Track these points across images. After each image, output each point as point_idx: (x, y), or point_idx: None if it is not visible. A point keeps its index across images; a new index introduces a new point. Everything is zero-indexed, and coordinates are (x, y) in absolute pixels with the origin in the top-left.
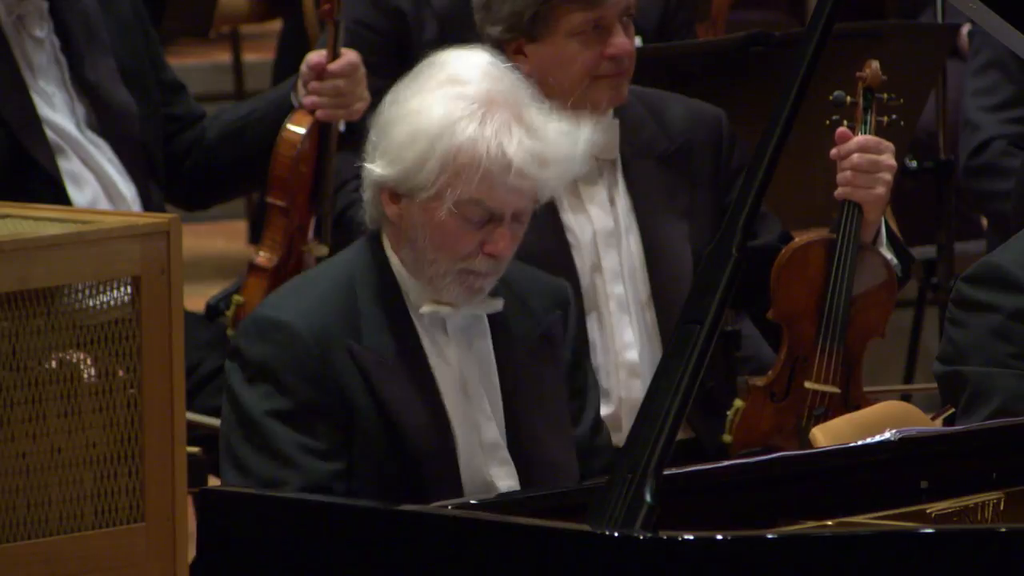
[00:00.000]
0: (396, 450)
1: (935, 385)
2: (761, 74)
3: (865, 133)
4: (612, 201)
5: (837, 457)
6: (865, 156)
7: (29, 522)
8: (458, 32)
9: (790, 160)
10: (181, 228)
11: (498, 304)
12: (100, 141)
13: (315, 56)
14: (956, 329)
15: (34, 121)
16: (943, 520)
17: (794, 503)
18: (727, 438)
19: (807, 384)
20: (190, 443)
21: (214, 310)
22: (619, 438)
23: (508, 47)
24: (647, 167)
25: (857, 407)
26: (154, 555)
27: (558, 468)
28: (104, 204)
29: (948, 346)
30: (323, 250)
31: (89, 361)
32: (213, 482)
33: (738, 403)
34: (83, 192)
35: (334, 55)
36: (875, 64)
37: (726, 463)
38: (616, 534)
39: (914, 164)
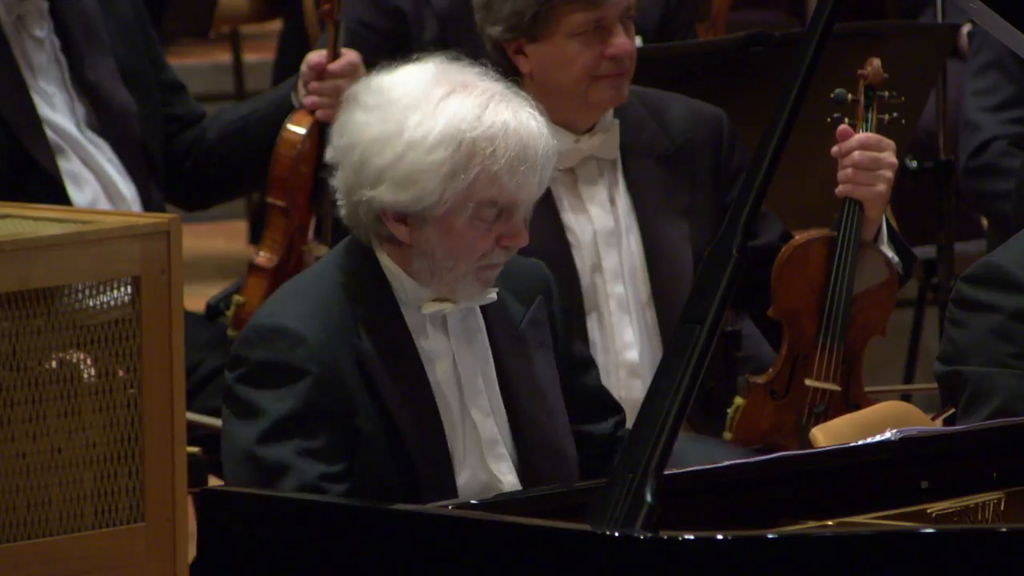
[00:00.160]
0: (394, 451)
1: (935, 385)
2: (761, 74)
3: (866, 131)
4: (612, 201)
5: (837, 457)
6: (866, 153)
7: (29, 522)
8: (458, 32)
9: (791, 159)
10: (181, 228)
11: (493, 294)
12: (100, 141)
13: (315, 56)
14: (956, 329)
15: (34, 121)
16: (943, 520)
17: (794, 503)
18: (727, 436)
19: (807, 382)
20: (190, 443)
21: (214, 310)
22: None
23: (509, 47)
24: (647, 167)
25: (857, 405)
26: (154, 555)
27: (558, 455)
28: (104, 204)
29: (948, 346)
30: (323, 250)
31: (89, 361)
32: (213, 482)
33: (738, 401)
34: (83, 192)
35: (334, 55)
36: (876, 61)
37: (726, 463)
38: (616, 534)
39: (914, 164)
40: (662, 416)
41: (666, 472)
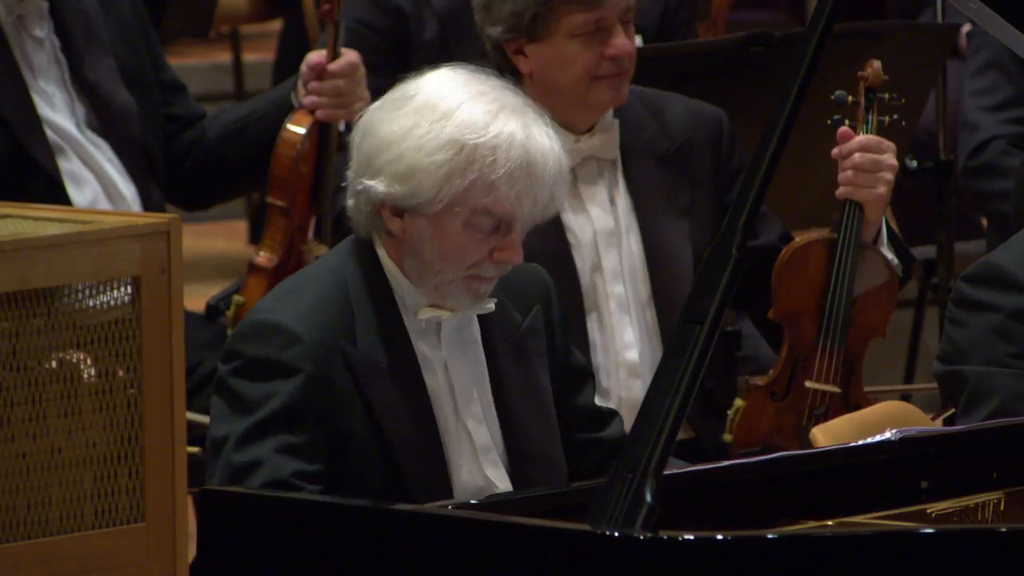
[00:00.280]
0: (383, 456)
1: (935, 385)
2: (761, 74)
3: (867, 133)
4: (612, 201)
5: (837, 457)
6: (867, 155)
7: (29, 522)
8: (458, 31)
9: (791, 160)
10: (181, 228)
11: (491, 305)
12: (100, 141)
13: (315, 56)
14: (956, 329)
15: (34, 121)
16: (943, 520)
17: (794, 503)
18: (727, 437)
19: (807, 384)
20: (190, 443)
21: (214, 310)
22: None
23: (508, 47)
24: (647, 167)
25: (857, 407)
26: (154, 555)
27: (549, 463)
28: (104, 204)
29: (948, 346)
30: (323, 250)
31: (89, 361)
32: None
33: (738, 402)
34: (83, 192)
35: (334, 55)
36: (877, 64)
37: (726, 463)
38: (616, 534)
39: (914, 164)
40: (662, 416)
41: (666, 472)
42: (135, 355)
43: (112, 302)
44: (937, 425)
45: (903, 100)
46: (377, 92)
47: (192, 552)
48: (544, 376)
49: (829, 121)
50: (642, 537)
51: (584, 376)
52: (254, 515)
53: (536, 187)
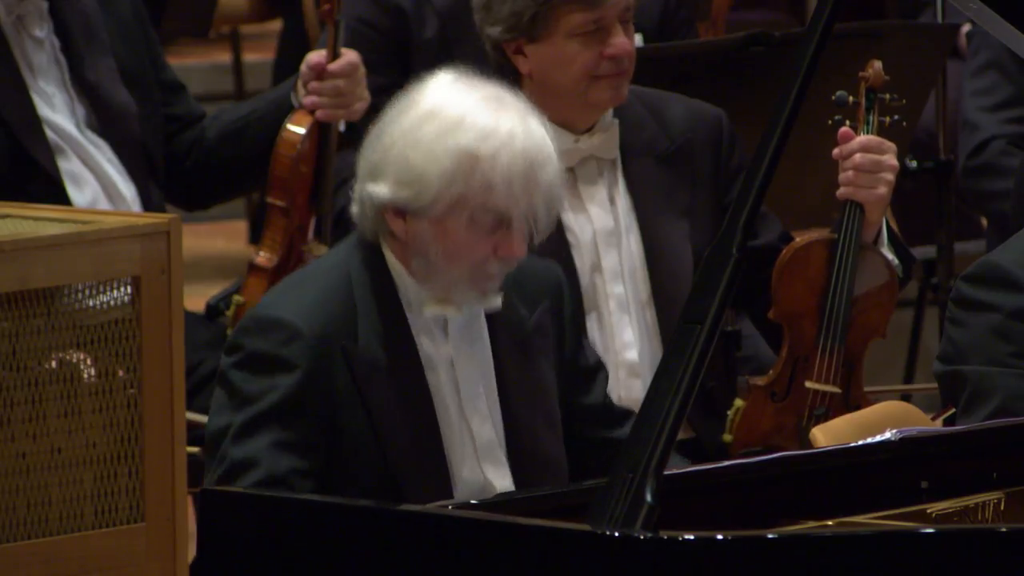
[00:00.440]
0: (378, 455)
1: (935, 385)
2: (761, 74)
3: (867, 133)
4: (612, 201)
5: (837, 457)
6: (867, 156)
7: (29, 522)
8: (459, 30)
9: (791, 160)
10: (181, 228)
11: (497, 301)
12: (100, 141)
13: (315, 56)
14: (956, 328)
15: (34, 121)
16: (943, 520)
17: (794, 503)
18: (727, 438)
19: (808, 384)
20: (190, 443)
21: (214, 310)
22: None
23: (508, 47)
24: (647, 167)
25: (857, 407)
26: (154, 555)
27: (552, 464)
28: (104, 204)
29: (948, 345)
30: (323, 250)
31: (89, 361)
32: None
33: (738, 403)
34: (83, 192)
35: (334, 55)
36: (878, 64)
37: (726, 463)
38: (616, 534)
39: (914, 164)
40: (662, 416)
41: (666, 472)
42: (135, 355)
43: (112, 302)
44: (937, 425)
45: (904, 101)
46: (377, 91)
47: (192, 552)
48: (549, 374)
49: (830, 121)
50: (642, 537)
51: (595, 374)
52: (254, 515)
53: (534, 185)
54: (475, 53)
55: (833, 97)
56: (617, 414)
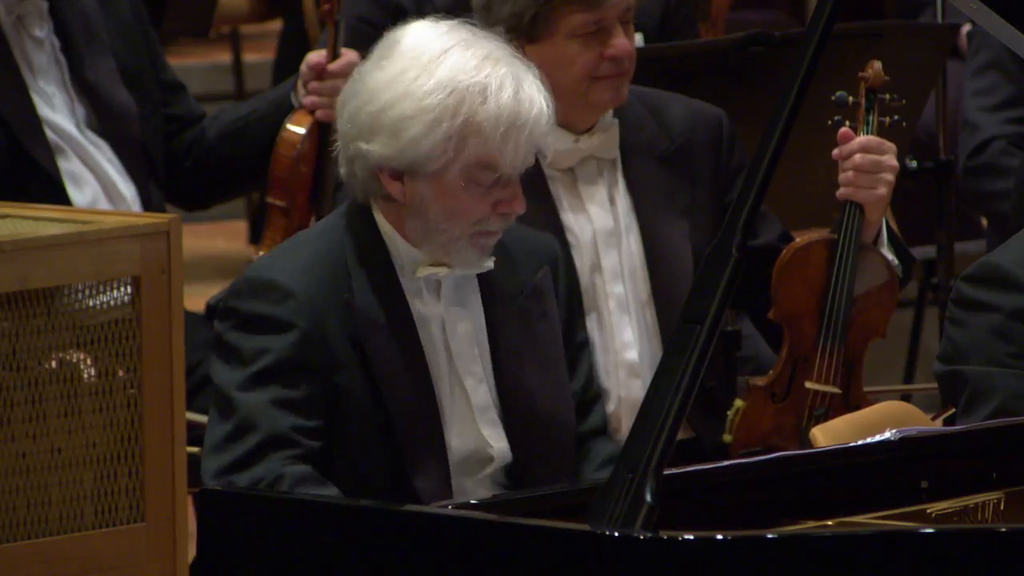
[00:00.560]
0: (378, 414)
1: (935, 385)
2: (761, 74)
3: (867, 134)
4: (612, 201)
5: (837, 457)
6: (867, 156)
7: (29, 522)
8: None
9: (791, 160)
10: (181, 228)
11: (489, 263)
12: (100, 141)
13: (315, 56)
14: (956, 328)
15: (34, 121)
16: (943, 520)
17: (794, 503)
18: (727, 438)
19: (808, 384)
20: (190, 443)
21: (214, 310)
22: (619, 438)
23: None
24: (647, 167)
25: (857, 407)
26: (154, 555)
27: (553, 422)
28: (104, 204)
29: (948, 345)
30: None
31: (89, 361)
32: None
33: (738, 403)
34: (83, 192)
35: (334, 55)
36: (877, 64)
37: (726, 463)
38: (616, 534)
39: (914, 164)
40: (662, 416)
41: (666, 472)
42: (135, 355)
43: (112, 302)
44: (937, 425)
45: (904, 101)
46: None
47: (192, 552)
48: (553, 334)
49: (830, 122)
50: (642, 537)
51: (578, 355)
52: (254, 515)
53: (520, 130)
54: None
55: (833, 97)
56: (588, 403)
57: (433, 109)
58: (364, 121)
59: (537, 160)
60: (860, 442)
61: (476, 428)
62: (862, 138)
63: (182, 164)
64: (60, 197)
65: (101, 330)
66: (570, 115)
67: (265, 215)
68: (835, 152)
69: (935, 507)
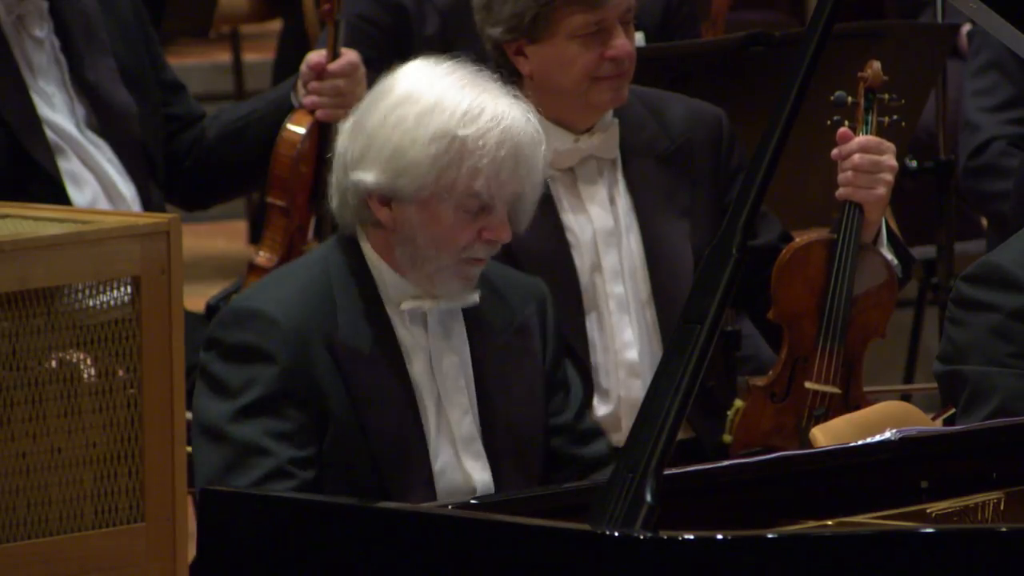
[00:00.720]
0: (365, 443)
1: (935, 385)
2: (761, 74)
3: (866, 134)
4: (612, 200)
5: (837, 457)
6: (866, 156)
7: (29, 522)
8: (460, 27)
9: (790, 160)
10: (181, 228)
11: (475, 297)
12: (100, 141)
13: (315, 56)
14: (956, 328)
15: (34, 121)
16: (943, 520)
17: (794, 503)
18: (727, 438)
19: (807, 384)
20: (190, 443)
21: (214, 310)
22: (619, 438)
23: (508, 48)
24: (647, 166)
25: (857, 407)
26: (154, 555)
27: (535, 457)
28: (104, 204)
29: (948, 345)
30: None
31: (89, 361)
32: None
33: (738, 403)
34: (83, 192)
35: (334, 55)
36: (876, 64)
37: (726, 463)
38: (616, 534)
39: (914, 164)
40: (662, 416)
41: (666, 472)
42: (135, 355)
43: (112, 302)
44: (937, 425)
45: (903, 101)
46: None
47: (192, 552)
48: (534, 372)
49: (829, 122)
50: (642, 537)
51: (567, 390)
52: (254, 515)
53: (520, 168)
54: (476, 50)
55: (832, 97)
56: (586, 433)
57: (426, 140)
58: (362, 154)
59: None
60: (860, 442)
61: (459, 460)
62: (861, 138)
63: (182, 164)
64: (60, 197)
65: (101, 330)
66: (570, 115)
67: (265, 215)
68: (834, 152)
69: (935, 507)
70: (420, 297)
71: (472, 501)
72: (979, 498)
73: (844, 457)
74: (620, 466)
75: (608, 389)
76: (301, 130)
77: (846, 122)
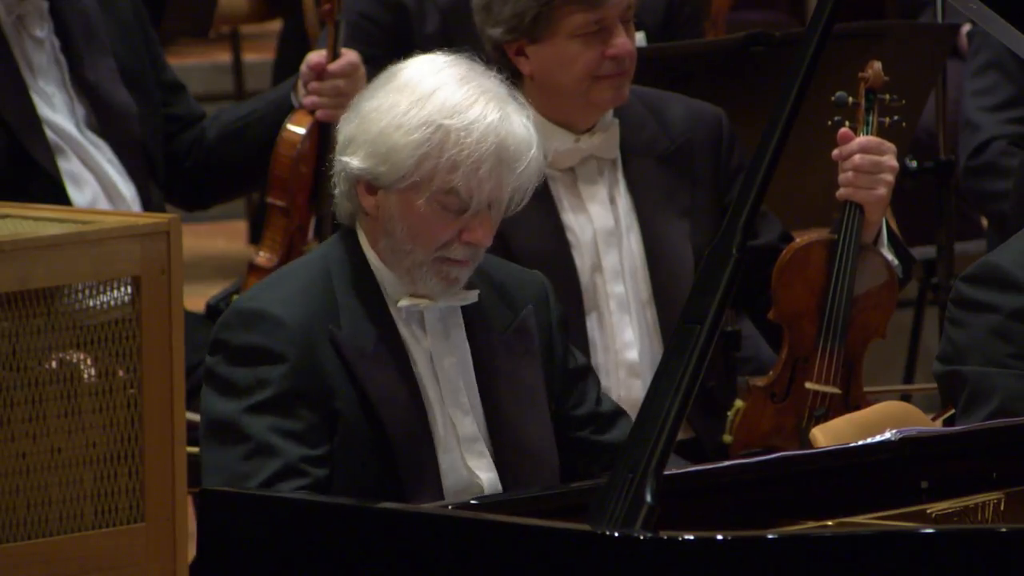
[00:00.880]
0: (376, 439)
1: (935, 385)
2: (761, 74)
3: (867, 134)
4: (612, 200)
5: (837, 457)
6: (867, 157)
7: (29, 522)
8: (460, 25)
9: (791, 160)
10: (181, 228)
11: (473, 295)
12: (100, 141)
13: (315, 56)
14: (955, 329)
15: (34, 121)
16: (943, 520)
17: (794, 503)
18: (727, 438)
19: (807, 385)
20: (190, 443)
21: (214, 310)
22: None
23: (509, 48)
24: (647, 166)
25: (857, 408)
26: (154, 555)
27: (538, 457)
28: (104, 204)
29: (948, 346)
30: None
31: (89, 361)
32: None
33: (739, 403)
34: (83, 192)
35: (334, 55)
36: (877, 65)
37: (726, 463)
38: (616, 534)
39: (914, 164)
40: (662, 416)
41: (666, 472)
42: (135, 355)
43: (112, 302)
44: (937, 425)
45: (903, 101)
46: None
47: (192, 552)
48: (535, 373)
49: (829, 122)
50: (642, 537)
51: (584, 377)
52: (254, 515)
53: (502, 173)
54: (476, 49)
55: (832, 98)
56: (607, 417)
57: (412, 127)
58: (353, 138)
59: None
60: (860, 442)
61: (464, 459)
62: (862, 138)
63: (182, 164)
64: (60, 197)
65: (101, 330)
66: (571, 115)
67: (265, 215)
68: (835, 152)
69: (935, 507)
70: (416, 296)
71: (472, 501)
72: (979, 498)
73: (844, 457)
74: (620, 466)
75: (608, 389)
76: (301, 130)
77: (847, 122)
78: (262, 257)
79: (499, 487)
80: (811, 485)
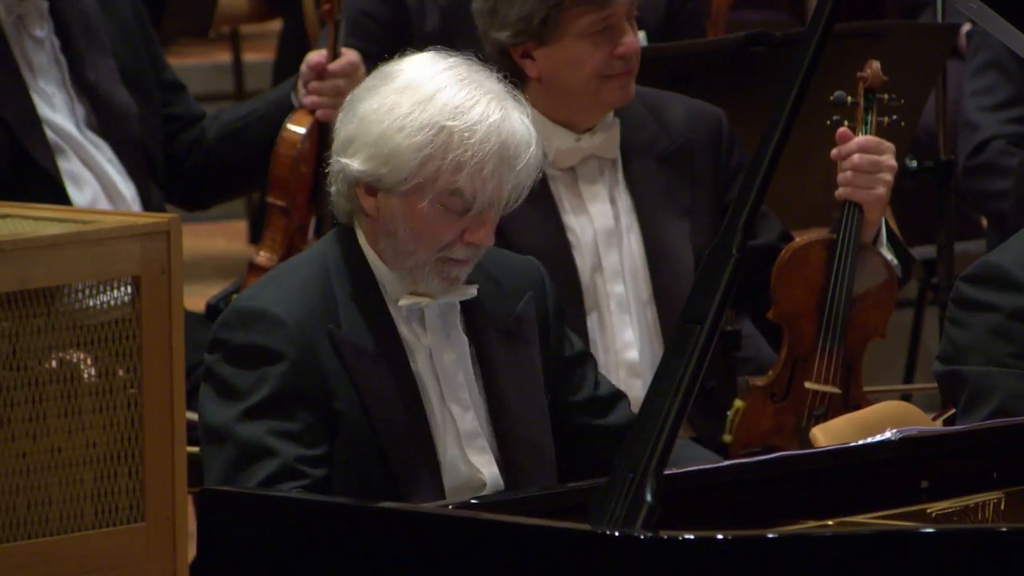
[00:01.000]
0: (375, 440)
1: (935, 385)
2: (761, 74)
3: (866, 133)
4: (613, 200)
5: (837, 457)
6: (866, 156)
7: (29, 522)
8: (460, 23)
9: (790, 160)
10: (181, 228)
11: (472, 291)
12: (100, 141)
13: (315, 56)
14: (956, 328)
15: (34, 121)
16: (943, 520)
17: (794, 503)
18: (727, 438)
19: (807, 384)
20: (190, 443)
21: (214, 310)
22: None
23: (515, 51)
24: (648, 166)
25: (857, 407)
26: (154, 555)
27: (538, 449)
28: (104, 204)
29: (948, 345)
30: None
31: (89, 361)
32: None
33: (738, 403)
34: (83, 192)
35: (334, 55)
36: (876, 64)
37: (726, 463)
38: (616, 534)
39: (914, 164)
40: (662, 416)
41: (666, 472)
42: (135, 355)
43: (112, 302)
44: (937, 425)
45: (902, 101)
46: None
47: (192, 552)
48: (535, 363)
49: (828, 122)
50: (642, 537)
51: (582, 362)
52: (254, 515)
53: (504, 173)
54: (476, 46)
55: (832, 97)
56: (605, 400)
57: (414, 129)
58: (352, 139)
59: None
60: (860, 442)
61: (465, 455)
62: (860, 138)
63: (182, 164)
64: (60, 197)
65: (101, 330)
66: (576, 115)
67: (265, 215)
68: (834, 152)
69: (935, 507)
70: (416, 294)
71: (472, 501)
72: (979, 498)
73: (844, 457)
74: (620, 466)
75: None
76: (301, 130)
77: (846, 122)
78: (262, 257)
79: (500, 481)
80: (811, 485)
